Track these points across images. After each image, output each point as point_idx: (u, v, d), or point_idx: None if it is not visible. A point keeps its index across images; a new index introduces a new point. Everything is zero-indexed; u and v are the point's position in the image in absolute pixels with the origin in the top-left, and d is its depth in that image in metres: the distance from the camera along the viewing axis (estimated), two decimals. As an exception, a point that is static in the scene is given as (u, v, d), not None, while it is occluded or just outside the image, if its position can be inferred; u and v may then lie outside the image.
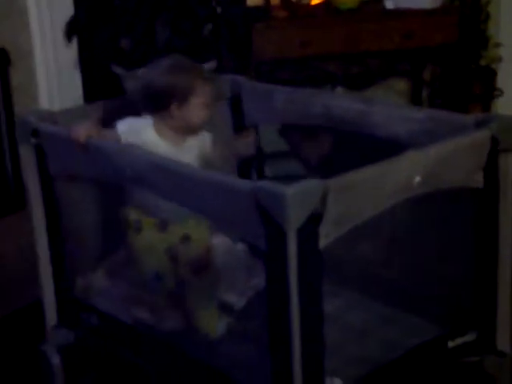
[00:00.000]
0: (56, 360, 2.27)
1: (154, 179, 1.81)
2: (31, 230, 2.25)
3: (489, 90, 3.90)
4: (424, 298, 2.07)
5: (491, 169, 1.87)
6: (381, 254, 2.17)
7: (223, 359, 1.91)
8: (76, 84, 3.44)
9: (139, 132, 2.05)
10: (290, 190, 1.51)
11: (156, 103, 2.07)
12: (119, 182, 1.94)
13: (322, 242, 1.58)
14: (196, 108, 2.05)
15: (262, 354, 1.70)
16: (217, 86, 2.49)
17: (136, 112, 2.14)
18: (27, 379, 2.38)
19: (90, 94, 3.45)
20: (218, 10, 3.46)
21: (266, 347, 1.68)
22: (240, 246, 2.22)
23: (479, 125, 1.89)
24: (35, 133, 2.14)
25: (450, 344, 1.95)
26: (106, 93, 3.24)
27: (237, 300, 2.13)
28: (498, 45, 3.94)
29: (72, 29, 3.39)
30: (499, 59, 3.95)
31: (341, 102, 2.25)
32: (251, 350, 1.84)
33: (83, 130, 1.98)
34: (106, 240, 2.27)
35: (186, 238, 2.02)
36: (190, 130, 2.09)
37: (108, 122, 2.11)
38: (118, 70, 3.39)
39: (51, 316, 2.29)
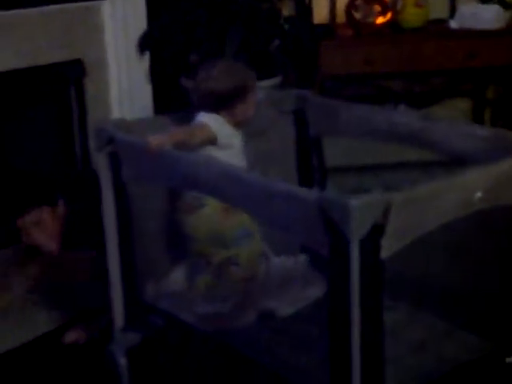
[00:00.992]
0: (123, 361, 2.37)
1: (224, 187, 1.90)
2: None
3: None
4: (481, 314, 2.11)
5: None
6: (438, 269, 2.21)
7: (281, 362, 1.98)
8: (146, 96, 3.57)
9: (222, 124, 2.25)
10: (355, 202, 1.59)
11: (223, 102, 2.24)
12: (190, 190, 2.03)
13: (384, 253, 1.64)
14: (252, 103, 2.29)
15: (320, 361, 1.78)
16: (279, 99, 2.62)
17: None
18: (94, 380, 2.48)
19: (159, 106, 3.57)
20: (286, 27, 3.56)
21: (324, 354, 1.75)
22: (296, 259, 2.32)
23: (541, 144, 1.94)
24: (111, 140, 2.25)
25: (508, 360, 1.99)
26: (175, 105, 3.36)
27: (282, 308, 2.25)
28: (562, 65, 3.95)
29: (145, 43, 3.52)
30: None
31: (404, 119, 2.31)
32: (310, 356, 1.92)
33: (156, 141, 2.10)
34: (175, 245, 2.37)
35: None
36: (245, 124, 2.30)
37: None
38: (187, 83, 3.51)
39: (119, 319, 2.38)
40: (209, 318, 2.19)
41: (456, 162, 2.12)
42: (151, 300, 2.33)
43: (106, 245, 2.32)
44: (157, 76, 3.60)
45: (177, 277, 2.39)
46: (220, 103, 2.25)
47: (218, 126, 2.23)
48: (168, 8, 3.55)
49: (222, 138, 2.22)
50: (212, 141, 2.21)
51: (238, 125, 2.29)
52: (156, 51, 3.53)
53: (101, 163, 2.30)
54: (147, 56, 3.54)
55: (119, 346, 2.37)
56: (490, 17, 3.59)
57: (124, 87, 3.52)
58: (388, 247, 1.64)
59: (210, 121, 2.24)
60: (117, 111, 3.47)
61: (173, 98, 3.54)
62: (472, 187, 1.75)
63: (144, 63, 3.54)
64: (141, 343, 2.36)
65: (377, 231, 1.62)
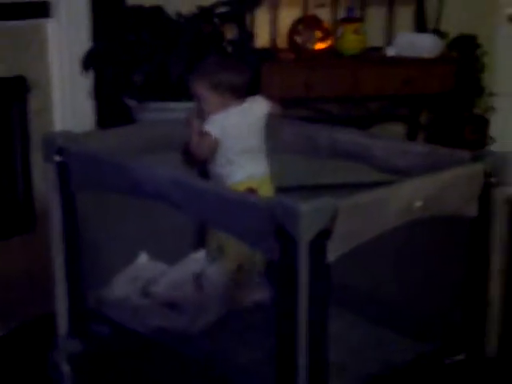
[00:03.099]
0: (66, 368, 2.39)
1: (174, 195, 1.96)
2: (39, 251, 2.36)
3: (481, 138, 4.08)
4: (418, 320, 2.20)
5: (484, 200, 2.02)
6: (377, 277, 2.31)
7: (230, 366, 2.04)
8: (89, 112, 3.60)
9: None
10: (304, 207, 1.67)
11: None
12: (140, 197, 2.08)
13: (331, 257, 1.72)
14: None
15: (266, 362, 1.84)
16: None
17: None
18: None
19: (102, 122, 3.61)
20: (229, 49, 3.64)
21: (270, 355, 1.81)
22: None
23: (474, 159, 2.06)
24: (60, 151, 2.28)
25: (444, 361, 2.08)
26: (118, 122, 3.41)
27: None
28: (491, 94, 4.14)
29: (88, 61, 3.56)
30: (492, 108, 4.15)
31: (345, 136, 2.41)
32: (257, 357, 1.98)
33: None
34: (119, 255, 2.40)
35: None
36: None
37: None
38: (130, 102, 3.56)
39: (63, 326, 2.40)
40: (160, 330, 2.22)
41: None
42: (95, 307, 2.36)
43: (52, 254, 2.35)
44: (101, 93, 3.63)
45: (120, 283, 2.43)
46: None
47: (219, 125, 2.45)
48: (112, 27, 3.59)
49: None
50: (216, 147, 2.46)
51: None
52: (100, 69, 3.57)
53: (49, 173, 2.33)
54: (91, 73, 3.58)
55: (62, 353, 2.38)
56: (426, 45, 3.74)
57: (67, 103, 3.54)
58: (334, 250, 1.72)
59: (211, 127, 2.45)
60: (59, 127, 3.49)
61: (116, 114, 3.59)
62: (412, 196, 1.85)
63: (88, 80, 3.58)
64: (84, 351, 2.38)
65: (324, 235, 1.70)
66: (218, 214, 1.87)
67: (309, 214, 1.66)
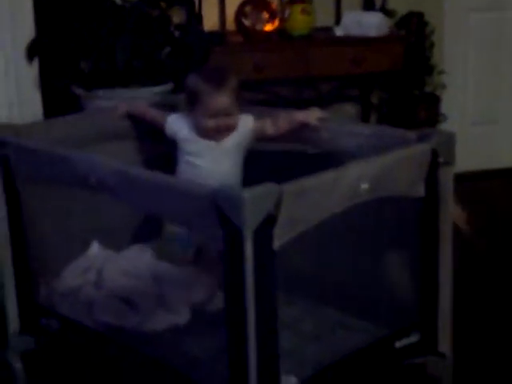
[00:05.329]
0: (18, 366, 2.35)
1: (115, 185, 1.91)
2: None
3: (433, 116, 4.08)
4: (370, 302, 2.20)
5: (432, 180, 2.01)
6: (329, 261, 2.29)
7: (183, 359, 2.01)
8: (36, 102, 3.53)
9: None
10: (247, 194, 1.63)
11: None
12: (83, 189, 2.03)
13: (276, 243, 1.70)
14: (200, 115, 2.25)
15: (219, 354, 1.82)
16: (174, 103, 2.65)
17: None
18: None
19: (49, 112, 3.54)
20: (176, 34, 3.59)
21: (222, 346, 1.79)
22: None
23: (421, 139, 2.04)
24: (1, 144, 2.22)
25: (397, 344, 2.08)
26: (65, 111, 3.34)
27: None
28: (441, 72, 4.14)
29: (33, 50, 3.48)
30: (443, 86, 4.16)
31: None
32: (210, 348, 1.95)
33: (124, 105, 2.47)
34: (67, 247, 2.36)
35: None
36: (206, 134, 2.28)
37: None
38: (77, 90, 3.49)
39: (14, 323, 2.35)
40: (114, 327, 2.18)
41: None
42: (44, 302, 2.31)
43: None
44: (47, 82, 3.56)
45: (71, 274, 2.38)
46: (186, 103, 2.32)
47: (176, 124, 2.34)
48: (57, 14, 3.52)
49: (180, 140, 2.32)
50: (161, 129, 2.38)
51: (206, 136, 2.26)
52: (46, 58, 3.50)
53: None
54: (36, 62, 3.50)
55: (14, 350, 2.34)
56: (373, 24, 3.72)
57: (12, 93, 3.46)
58: (280, 237, 1.70)
59: (172, 117, 2.36)
60: (5, 117, 3.40)
61: (63, 103, 3.52)
62: (358, 178, 1.83)
63: (34, 69, 3.50)
64: (36, 347, 2.34)
65: (269, 221, 1.67)
66: (161, 204, 1.83)
67: (252, 201, 1.63)
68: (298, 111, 2.33)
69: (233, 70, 2.33)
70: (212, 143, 2.27)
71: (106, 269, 2.39)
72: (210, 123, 2.22)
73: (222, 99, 2.20)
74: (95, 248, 2.51)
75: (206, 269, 2.25)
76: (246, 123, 2.30)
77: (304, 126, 2.28)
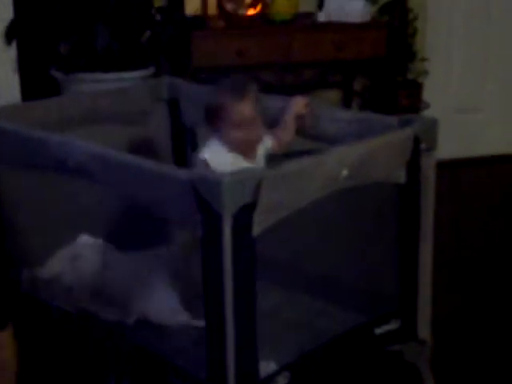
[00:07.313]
0: None
1: (93, 169, 1.89)
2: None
3: (415, 103, 4.07)
4: (350, 289, 2.19)
5: (413, 166, 2.00)
6: (308, 249, 2.28)
7: (165, 346, 1.99)
8: (14, 85, 3.49)
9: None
10: (227, 179, 1.61)
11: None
12: (62, 173, 2.00)
13: (256, 229, 1.68)
14: (233, 125, 2.08)
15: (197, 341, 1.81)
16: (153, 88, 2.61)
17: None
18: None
19: (27, 95, 3.50)
20: (157, 17, 3.55)
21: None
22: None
23: (403, 125, 2.02)
24: (-22, 127, 2.19)
25: (377, 331, 2.07)
26: (44, 94, 3.30)
27: None
28: (424, 59, 4.13)
29: (11, 32, 3.43)
30: (425, 73, 4.15)
31: (276, 104, 2.35)
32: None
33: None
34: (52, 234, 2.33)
35: None
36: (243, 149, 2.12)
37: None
38: (56, 74, 3.45)
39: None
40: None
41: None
42: (29, 290, 2.29)
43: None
44: (26, 65, 3.52)
45: (55, 262, 2.36)
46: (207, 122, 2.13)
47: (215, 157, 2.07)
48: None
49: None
50: None
51: (238, 149, 2.10)
52: (24, 40, 3.45)
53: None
54: (14, 45, 3.46)
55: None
56: (355, 10, 3.70)
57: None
58: (260, 223, 1.68)
59: (209, 157, 2.08)
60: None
61: (42, 87, 3.48)
62: (338, 165, 1.81)
63: (11, 52, 3.45)
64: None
65: (248, 207, 1.65)
66: (140, 188, 1.80)
67: (232, 187, 1.61)
68: (287, 107, 2.28)
69: (251, 79, 2.23)
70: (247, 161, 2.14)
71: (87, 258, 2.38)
72: (239, 134, 2.09)
73: (246, 108, 2.09)
74: (84, 238, 2.50)
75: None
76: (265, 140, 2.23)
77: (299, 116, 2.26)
